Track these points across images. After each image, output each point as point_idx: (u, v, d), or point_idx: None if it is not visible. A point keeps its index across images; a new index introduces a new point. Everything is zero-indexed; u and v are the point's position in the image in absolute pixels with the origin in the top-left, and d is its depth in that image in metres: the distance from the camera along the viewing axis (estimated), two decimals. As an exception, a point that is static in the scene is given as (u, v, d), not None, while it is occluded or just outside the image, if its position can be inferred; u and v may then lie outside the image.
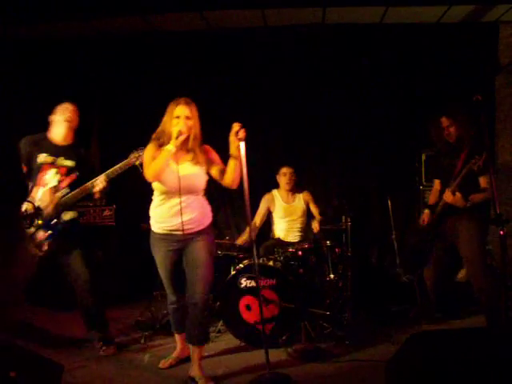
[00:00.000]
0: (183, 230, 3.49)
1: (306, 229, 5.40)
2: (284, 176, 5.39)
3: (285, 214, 5.37)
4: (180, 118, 3.46)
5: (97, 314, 4.15)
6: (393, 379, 2.52)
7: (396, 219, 5.76)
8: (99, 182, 3.86)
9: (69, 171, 3.97)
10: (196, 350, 3.62)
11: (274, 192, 5.49)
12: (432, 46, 5.94)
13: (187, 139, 3.48)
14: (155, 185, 3.51)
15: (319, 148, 6.31)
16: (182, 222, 3.47)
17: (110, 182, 3.93)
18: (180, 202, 3.45)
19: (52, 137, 4.02)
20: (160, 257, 3.63)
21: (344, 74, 6.14)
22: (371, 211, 6.10)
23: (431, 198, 4.69)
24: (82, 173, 4.00)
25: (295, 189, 5.47)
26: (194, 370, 3.60)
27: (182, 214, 3.46)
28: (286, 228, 5.40)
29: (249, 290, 4.40)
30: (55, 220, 3.87)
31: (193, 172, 3.53)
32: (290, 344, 4.26)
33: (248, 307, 4.39)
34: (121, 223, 5.86)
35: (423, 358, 2.28)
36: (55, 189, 3.88)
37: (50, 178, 3.90)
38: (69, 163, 3.98)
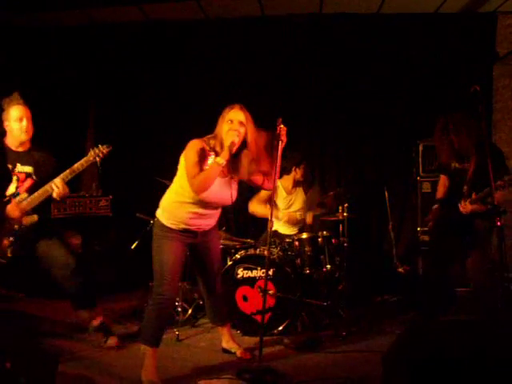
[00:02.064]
0: (200, 230, 3.54)
1: (303, 221, 5.36)
2: (303, 169, 5.31)
3: (286, 206, 5.32)
4: (233, 123, 3.36)
5: (85, 295, 4.06)
6: (390, 370, 2.52)
7: (393, 210, 5.77)
8: (55, 186, 3.74)
9: (27, 176, 3.88)
10: (227, 326, 3.99)
11: (277, 182, 5.38)
12: (430, 36, 5.93)
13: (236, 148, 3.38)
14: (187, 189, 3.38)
15: (316, 138, 6.29)
16: (202, 226, 3.54)
17: (68, 183, 3.82)
18: (208, 211, 3.50)
19: (8, 143, 3.91)
20: (170, 251, 3.45)
21: (341, 64, 6.11)
22: (368, 202, 6.10)
23: (439, 193, 4.58)
24: (41, 177, 3.88)
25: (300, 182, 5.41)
26: (229, 342, 3.95)
27: (206, 219, 3.52)
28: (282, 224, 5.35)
29: (245, 281, 4.40)
30: (17, 226, 3.80)
31: (231, 188, 3.51)
32: (286, 334, 4.27)
33: (244, 298, 4.39)
34: (117, 213, 5.85)
35: (420, 349, 2.28)
36: (13, 195, 3.80)
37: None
38: (26, 169, 3.89)
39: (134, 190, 6.09)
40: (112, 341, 4.05)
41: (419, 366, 2.22)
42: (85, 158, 3.86)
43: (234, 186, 3.54)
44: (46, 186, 3.77)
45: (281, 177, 5.32)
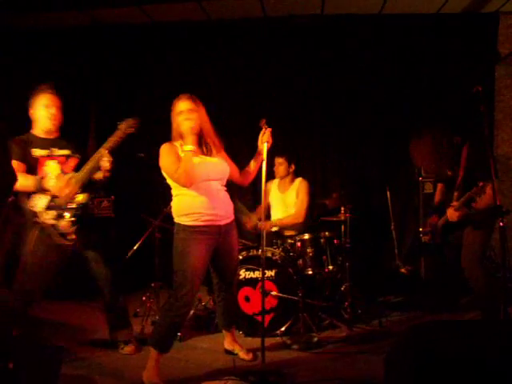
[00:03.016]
0: (221, 221, 3.52)
1: (302, 221, 5.32)
2: (274, 166, 5.33)
3: (280, 205, 5.31)
4: (183, 113, 3.45)
5: (121, 311, 4.07)
6: (392, 371, 2.52)
7: (395, 210, 5.76)
8: (103, 154, 3.72)
9: (68, 157, 3.84)
10: (232, 328, 4.01)
11: (274, 180, 5.41)
12: (432, 37, 5.92)
13: (200, 133, 3.48)
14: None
15: (318, 139, 6.29)
16: (220, 211, 3.50)
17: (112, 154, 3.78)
18: (213, 189, 3.48)
19: (37, 133, 3.84)
20: (194, 254, 3.41)
21: (343, 64, 6.11)
22: (370, 202, 6.09)
23: (437, 198, 4.60)
24: (82, 156, 3.89)
25: (290, 179, 5.33)
26: (232, 343, 3.96)
27: (218, 200, 3.49)
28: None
29: (247, 282, 4.41)
30: (73, 205, 3.73)
31: (215, 160, 3.57)
32: (288, 335, 4.27)
33: (247, 298, 4.39)
34: (119, 214, 5.85)
35: (422, 349, 2.28)
36: (62, 175, 3.74)
37: (51, 168, 3.75)
38: (64, 152, 3.85)
39: (136, 191, 6.09)
40: (129, 348, 4.00)
41: (422, 366, 2.22)
42: (117, 132, 3.82)
43: (220, 160, 3.60)
44: (92, 160, 3.72)
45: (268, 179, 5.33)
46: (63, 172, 3.78)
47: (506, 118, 6.02)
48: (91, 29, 6.17)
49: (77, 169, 3.80)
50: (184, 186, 3.38)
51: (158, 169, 3.52)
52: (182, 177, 3.34)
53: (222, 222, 3.53)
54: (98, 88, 6.39)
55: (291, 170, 5.31)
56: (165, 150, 3.48)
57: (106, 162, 3.73)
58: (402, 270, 5.49)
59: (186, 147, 3.36)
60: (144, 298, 4.95)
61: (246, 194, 6.08)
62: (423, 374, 2.22)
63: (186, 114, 3.44)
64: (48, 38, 6.15)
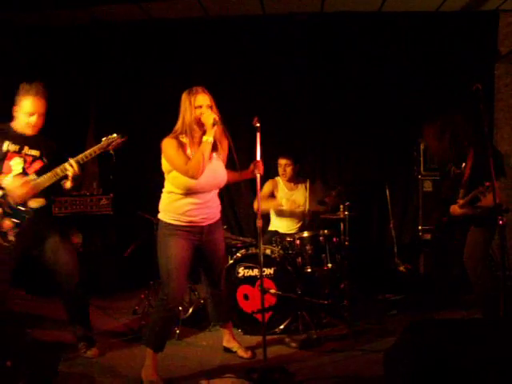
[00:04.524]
0: (205, 222, 3.53)
1: (304, 219, 5.34)
2: (280, 167, 5.30)
3: (287, 203, 5.31)
4: (203, 108, 3.39)
5: (82, 309, 3.96)
6: (391, 368, 2.52)
7: (394, 208, 5.75)
8: (68, 166, 3.59)
9: (34, 159, 3.73)
10: (228, 325, 4.01)
11: (278, 179, 5.40)
12: (431, 35, 5.91)
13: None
14: (178, 180, 3.41)
15: (317, 137, 6.28)
16: (205, 215, 3.52)
17: (82, 167, 3.68)
18: (206, 198, 3.49)
19: (16, 127, 3.75)
20: (176, 247, 3.42)
21: (342, 63, 6.10)
22: (369, 200, 6.09)
23: (443, 194, 4.57)
24: (50, 161, 3.75)
25: (295, 179, 5.37)
26: (230, 341, 3.95)
27: (206, 207, 3.51)
28: (285, 217, 5.34)
29: (246, 280, 4.40)
30: (23, 208, 3.63)
31: (220, 167, 3.57)
32: (287, 333, 4.26)
33: (245, 296, 4.39)
34: (118, 212, 5.85)
35: (422, 347, 2.28)
36: (22, 175, 3.64)
37: (16, 164, 3.67)
38: (34, 152, 3.74)
39: (135, 189, 6.08)
40: (92, 352, 3.89)
41: (421, 364, 2.22)
42: (98, 145, 3.71)
43: (220, 164, 3.59)
44: (57, 169, 3.62)
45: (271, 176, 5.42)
46: (25, 172, 3.68)
47: (505, 117, 6.02)
48: (90, 26, 6.15)
49: (39, 172, 3.69)
50: (192, 177, 3.31)
51: (159, 169, 3.50)
52: (192, 169, 3.29)
53: (206, 223, 3.54)
54: (97, 85, 6.38)
55: (297, 170, 5.32)
56: (169, 143, 3.39)
57: (70, 171, 3.61)
58: (401, 269, 5.49)
59: (206, 138, 3.33)
60: (143, 296, 4.94)
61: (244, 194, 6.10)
62: (422, 372, 2.22)
63: (204, 109, 3.39)
64: (47, 35, 6.14)
